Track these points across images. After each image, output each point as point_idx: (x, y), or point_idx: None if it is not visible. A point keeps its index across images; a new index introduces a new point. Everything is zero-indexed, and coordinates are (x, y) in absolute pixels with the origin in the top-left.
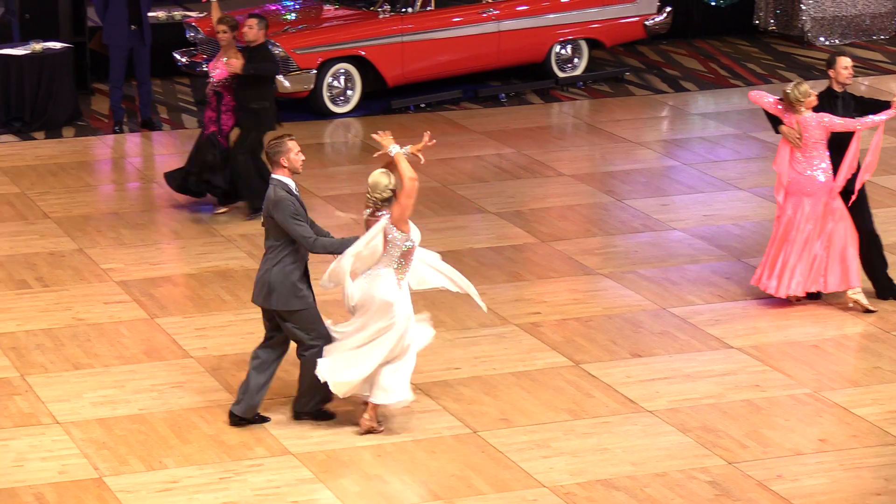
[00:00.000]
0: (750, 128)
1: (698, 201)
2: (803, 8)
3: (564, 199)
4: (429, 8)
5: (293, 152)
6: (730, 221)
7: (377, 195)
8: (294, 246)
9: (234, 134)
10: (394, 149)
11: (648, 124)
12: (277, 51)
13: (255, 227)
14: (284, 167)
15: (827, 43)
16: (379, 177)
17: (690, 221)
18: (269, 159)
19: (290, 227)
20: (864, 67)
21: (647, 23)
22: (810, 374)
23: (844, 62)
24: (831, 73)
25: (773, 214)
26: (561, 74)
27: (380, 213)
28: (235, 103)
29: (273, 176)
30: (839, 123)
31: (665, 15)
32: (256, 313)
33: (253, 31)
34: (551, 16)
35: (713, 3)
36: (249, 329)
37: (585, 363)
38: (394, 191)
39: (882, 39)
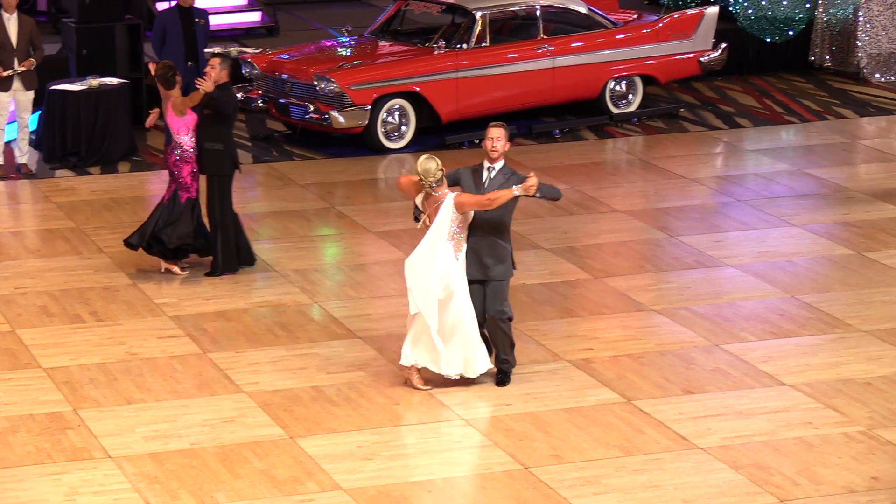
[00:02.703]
0: (804, 164)
1: (752, 238)
2: (859, 44)
3: (618, 236)
4: (484, 44)
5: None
6: (783, 258)
7: (430, 179)
8: None
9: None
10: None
11: (702, 160)
12: (332, 86)
13: (310, 262)
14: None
15: (883, 80)
16: (427, 163)
17: (744, 258)
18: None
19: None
20: None
21: (702, 59)
22: (863, 411)
23: None
24: None
25: (827, 251)
26: (615, 110)
27: (437, 194)
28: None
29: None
30: None
31: (720, 51)
32: (308, 349)
33: (216, 70)
34: (606, 52)
35: (768, 40)
36: (301, 364)
37: (637, 399)
38: (443, 171)
39: None
